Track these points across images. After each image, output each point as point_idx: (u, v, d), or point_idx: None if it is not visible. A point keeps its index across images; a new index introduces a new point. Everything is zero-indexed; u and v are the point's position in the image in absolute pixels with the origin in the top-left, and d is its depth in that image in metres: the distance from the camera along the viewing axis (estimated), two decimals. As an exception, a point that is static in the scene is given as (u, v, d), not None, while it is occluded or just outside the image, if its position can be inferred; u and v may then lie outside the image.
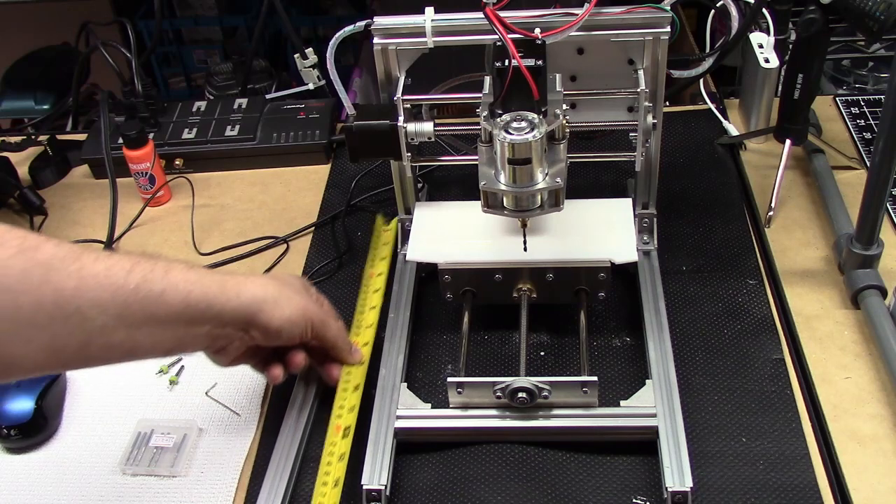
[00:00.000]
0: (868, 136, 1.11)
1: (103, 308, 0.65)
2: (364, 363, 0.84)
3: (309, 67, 1.19)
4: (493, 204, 0.78)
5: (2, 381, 0.65)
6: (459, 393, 0.78)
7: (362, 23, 0.83)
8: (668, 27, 0.82)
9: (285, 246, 1.04)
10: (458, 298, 0.87)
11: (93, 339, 0.65)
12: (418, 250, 0.89)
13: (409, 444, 0.79)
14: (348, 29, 0.83)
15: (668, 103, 1.06)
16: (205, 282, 0.71)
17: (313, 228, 1.06)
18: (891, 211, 0.98)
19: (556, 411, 0.78)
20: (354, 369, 0.84)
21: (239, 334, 0.75)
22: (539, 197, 0.77)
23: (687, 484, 0.71)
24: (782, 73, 1.03)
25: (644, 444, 0.77)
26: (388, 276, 0.94)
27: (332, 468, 0.75)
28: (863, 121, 1.14)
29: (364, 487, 0.74)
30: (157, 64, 1.67)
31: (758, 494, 0.73)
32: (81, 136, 1.22)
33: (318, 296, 0.84)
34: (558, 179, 0.75)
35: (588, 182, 1.06)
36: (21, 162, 1.19)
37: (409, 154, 0.86)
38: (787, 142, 1.01)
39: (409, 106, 0.85)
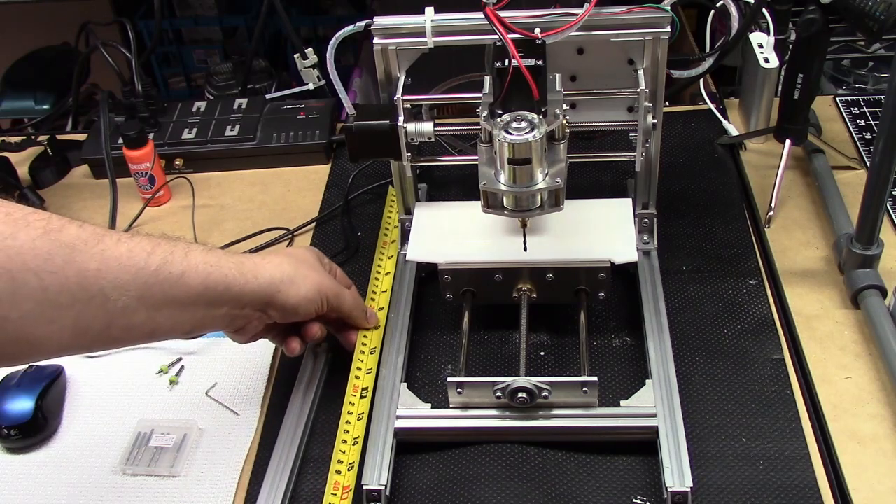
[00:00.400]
0: (868, 136, 1.11)
1: (125, 289, 0.66)
2: (380, 327, 0.87)
3: (309, 67, 1.19)
4: (493, 204, 0.78)
5: (27, 361, 0.66)
6: (459, 393, 0.78)
7: (362, 23, 0.83)
8: (668, 27, 0.82)
9: (288, 242, 1.04)
10: (458, 298, 0.87)
11: (115, 321, 0.66)
12: (418, 250, 0.89)
13: (409, 444, 0.79)
14: (348, 29, 0.83)
15: (668, 103, 1.06)
16: (223, 264, 0.73)
17: (314, 224, 1.06)
18: (891, 211, 0.98)
19: (556, 411, 0.78)
20: (371, 333, 0.87)
21: (257, 314, 0.77)
22: (539, 197, 0.77)
23: (687, 484, 0.71)
24: (782, 73, 1.03)
25: (644, 444, 0.77)
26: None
27: (351, 427, 0.79)
28: (863, 121, 1.14)
29: (364, 487, 0.74)
30: (157, 64, 1.67)
31: (758, 494, 0.73)
32: (81, 136, 1.22)
33: (332, 265, 0.87)
34: (558, 179, 0.75)
35: (588, 182, 1.06)
36: (21, 162, 1.19)
37: (409, 154, 0.86)
38: (787, 142, 1.01)
39: (409, 106, 0.85)
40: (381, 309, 0.90)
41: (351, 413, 0.80)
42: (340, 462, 0.76)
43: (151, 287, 0.68)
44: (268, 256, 0.78)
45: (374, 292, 0.92)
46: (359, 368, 0.84)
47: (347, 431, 0.78)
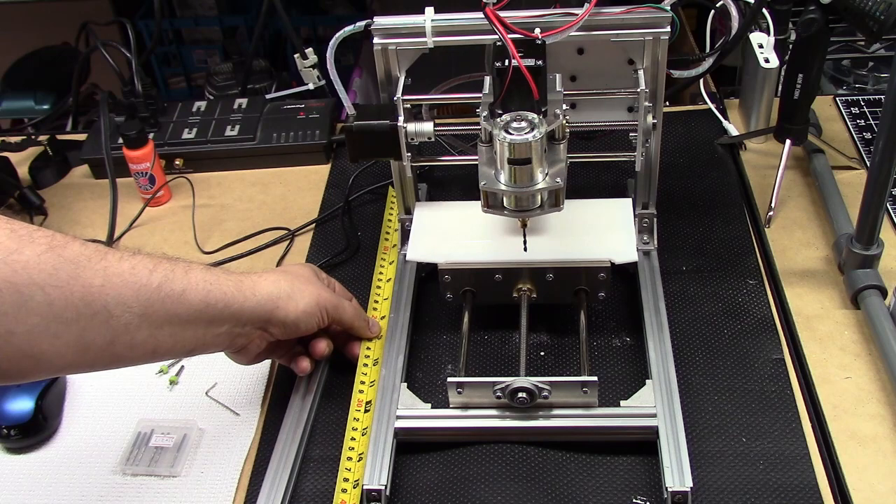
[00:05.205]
0: (868, 136, 1.11)
1: (128, 306, 0.67)
2: (382, 337, 0.86)
3: (309, 67, 1.19)
4: (493, 204, 0.78)
5: (31, 378, 0.67)
6: (459, 393, 0.78)
7: (362, 23, 0.83)
8: (668, 27, 0.82)
9: (288, 242, 1.04)
10: (458, 298, 0.87)
11: (118, 337, 0.67)
12: (418, 250, 0.89)
13: (409, 444, 0.79)
14: (348, 29, 0.83)
15: (668, 103, 1.06)
16: (222, 282, 0.74)
17: (314, 225, 1.06)
18: (891, 211, 0.98)
19: (556, 411, 0.78)
20: (374, 344, 0.86)
21: (258, 332, 0.77)
22: (539, 197, 0.77)
23: (687, 484, 0.71)
24: (782, 73, 1.03)
25: (644, 444, 0.77)
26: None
27: (356, 444, 0.78)
28: (863, 121, 1.14)
29: (364, 487, 0.74)
30: (157, 64, 1.67)
31: (758, 494, 0.73)
32: (81, 136, 1.22)
33: (329, 279, 0.87)
34: (558, 179, 0.75)
35: (588, 182, 1.06)
36: (21, 162, 1.19)
37: (409, 154, 0.86)
38: (787, 142, 1.01)
39: (409, 106, 0.85)
40: (384, 318, 0.89)
41: (356, 429, 0.79)
42: (346, 480, 0.75)
43: (154, 304, 0.68)
44: (264, 274, 0.79)
45: (377, 301, 0.91)
46: (362, 382, 0.83)
47: (353, 448, 0.78)
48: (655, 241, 0.95)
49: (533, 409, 0.78)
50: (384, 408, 0.80)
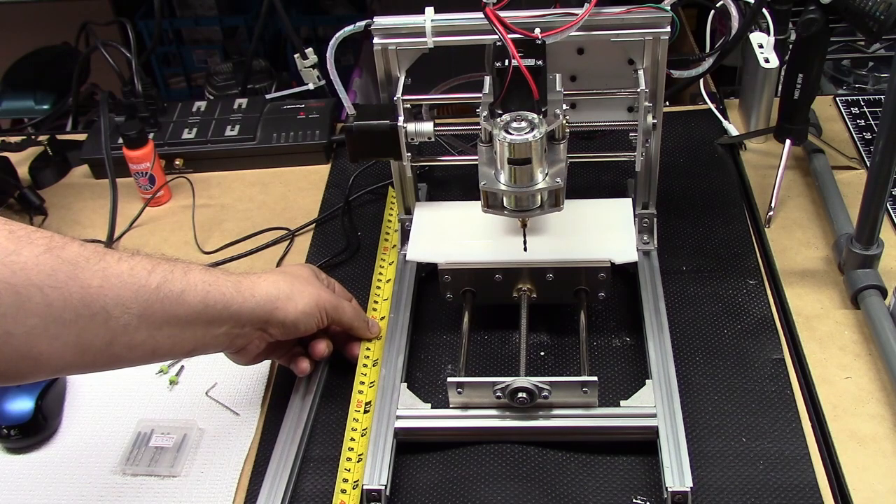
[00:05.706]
0: (868, 136, 1.11)
1: (127, 307, 0.67)
2: (382, 337, 0.86)
3: (309, 67, 1.19)
4: (493, 204, 0.78)
5: (30, 379, 0.67)
6: (459, 393, 0.78)
7: (362, 23, 0.83)
8: (668, 27, 0.82)
9: (288, 242, 1.04)
10: (458, 298, 0.87)
11: (117, 338, 0.67)
12: (418, 250, 0.89)
13: (409, 444, 0.79)
14: (348, 29, 0.83)
15: (668, 103, 1.06)
16: (221, 282, 0.73)
17: (314, 225, 1.06)
18: (891, 211, 0.98)
19: (556, 411, 0.78)
20: (373, 345, 0.86)
21: (257, 333, 0.77)
22: (539, 197, 0.77)
23: (687, 484, 0.71)
24: (782, 73, 1.03)
25: (644, 444, 0.77)
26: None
27: (355, 444, 0.78)
28: (863, 121, 1.14)
29: (364, 487, 0.74)
30: (157, 64, 1.67)
31: (758, 494, 0.73)
32: (81, 136, 1.22)
33: (329, 280, 0.87)
34: (558, 179, 0.75)
35: (588, 182, 1.06)
36: (21, 162, 1.19)
37: (409, 154, 0.86)
38: (787, 142, 1.01)
39: (409, 106, 0.85)
40: (384, 318, 0.89)
41: (355, 430, 0.79)
42: (345, 481, 0.75)
43: (152, 305, 0.68)
44: (263, 275, 0.79)
45: (377, 301, 0.91)
46: (362, 382, 0.83)
47: (352, 449, 0.78)
48: (655, 241, 0.95)
49: (533, 409, 0.78)
50: (384, 408, 0.80)
